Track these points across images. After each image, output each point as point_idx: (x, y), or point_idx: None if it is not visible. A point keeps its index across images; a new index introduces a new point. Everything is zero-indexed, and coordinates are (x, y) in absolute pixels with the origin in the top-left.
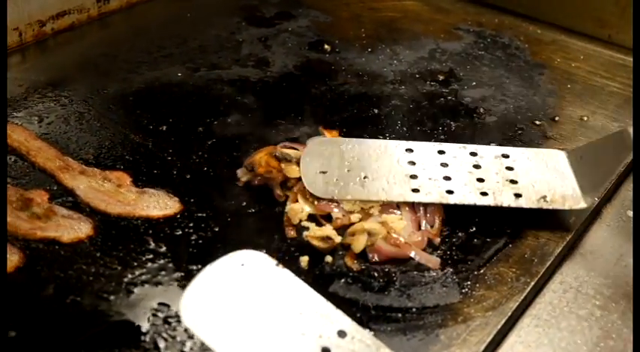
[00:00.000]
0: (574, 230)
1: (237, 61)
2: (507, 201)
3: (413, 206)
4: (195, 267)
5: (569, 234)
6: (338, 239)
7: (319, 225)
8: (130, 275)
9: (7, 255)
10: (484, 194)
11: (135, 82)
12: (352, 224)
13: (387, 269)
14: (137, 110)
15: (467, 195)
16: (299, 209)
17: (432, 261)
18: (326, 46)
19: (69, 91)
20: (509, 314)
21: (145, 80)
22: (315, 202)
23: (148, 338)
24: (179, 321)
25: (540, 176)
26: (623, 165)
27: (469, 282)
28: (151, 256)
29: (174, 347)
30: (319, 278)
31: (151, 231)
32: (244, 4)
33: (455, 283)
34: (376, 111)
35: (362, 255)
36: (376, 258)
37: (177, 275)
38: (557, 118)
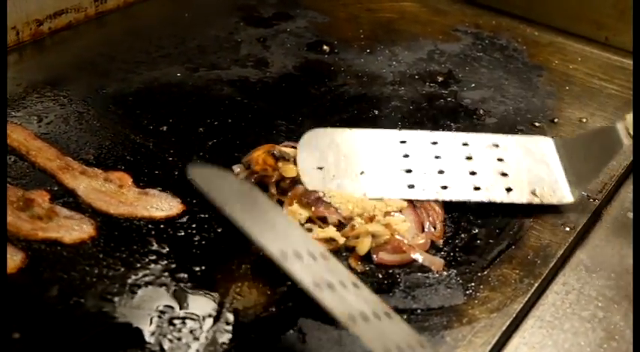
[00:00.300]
0: (576, 231)
1: (237, 61)
2: (500, 196)
3: (415, 207)
4: (198, 268)
5: (571, 235)
6: (342, 240)
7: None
8: (133, 277)
9: (9, 256)
10: (477, 189)
11: (134, 81)
12: (352, 225)
13: (391, 271)
14: (137, 110)
15: (460, 190)
16: (297, 211)
17: (436, 262)
18: (325, 47)
19: (67, 91)
20: (514, 315)
21: (143, 80)
22: (313, 208)
23: (153, 340)
24: (184, 323)
25: (530, 168)
26: (613, 161)
27: (473, 284)
28: (154, 257)
29: (179, 348)
30: None
31: (153, 232)
32: (242, 4)
33: (459, 285)
34: (376, 112)
35: (366, 257)
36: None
37: (182, 276)
38: (556, 120)
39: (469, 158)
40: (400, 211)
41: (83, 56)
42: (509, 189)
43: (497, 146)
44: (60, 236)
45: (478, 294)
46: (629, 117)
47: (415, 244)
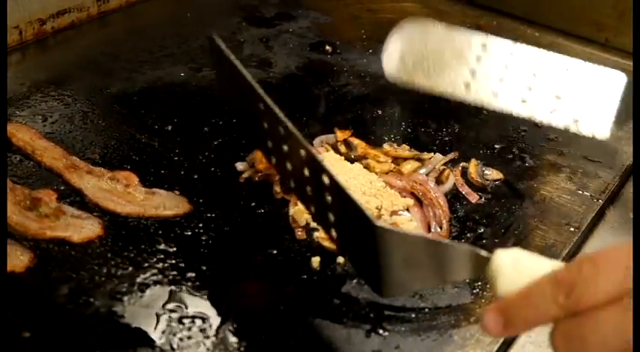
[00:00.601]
0: (580, 231)
1: (240, 61)
2: (541, 116)
3: (422, 207)
4: (206, 267)
5: (575, 235)
6: None
7: None
8: (142, 276)
9: (18, 255)
10: (524, 101)
11: (138, 81)
12: None
13: None
14: (141, 110)
15: (507, 101)
16: (304, 210)
17: None
18: (327, 47)
19: (71, 90)
20: None
21: (147, 80)
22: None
23: (163, 339)
24: (193, 322)
25: (586, 96)
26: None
27: (479, 283)
28: (162, 256)
29: (189, 347)
30: (331, 278)
31: (161, 232)
32: (244, 4)
33: (466, 284)
34: (380, 112)
35: None
36: None
37: (190, 275)
38: None
39: (535, 75)
40: (407, 210)
41: (86, 55)
42: (553, 111)
43: (567, 70)
44: (68, 235)
45: (485, 293)
46: None
47: None
